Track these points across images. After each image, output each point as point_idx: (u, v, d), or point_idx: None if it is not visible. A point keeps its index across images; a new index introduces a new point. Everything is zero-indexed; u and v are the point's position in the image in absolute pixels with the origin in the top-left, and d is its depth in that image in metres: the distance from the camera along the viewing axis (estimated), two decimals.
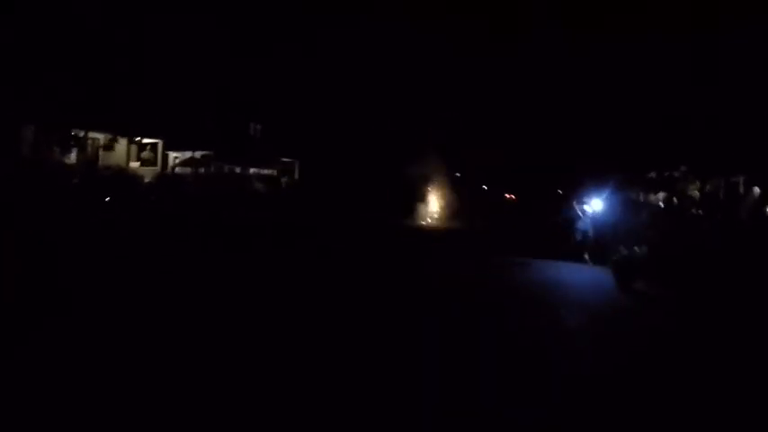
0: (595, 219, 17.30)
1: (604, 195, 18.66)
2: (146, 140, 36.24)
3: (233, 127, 41.92)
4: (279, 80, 46.27)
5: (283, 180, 43.51)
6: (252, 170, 42.94)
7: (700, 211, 32.56)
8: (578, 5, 49.15)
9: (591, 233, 17.10)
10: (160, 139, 36.31)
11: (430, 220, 31.46)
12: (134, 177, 30.11)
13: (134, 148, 36.06)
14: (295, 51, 47.86)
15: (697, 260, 12.75)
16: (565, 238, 18.06)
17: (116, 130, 32.59)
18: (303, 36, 49.75)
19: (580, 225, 17.71)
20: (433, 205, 33.87)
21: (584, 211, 17.81)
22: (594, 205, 17.90)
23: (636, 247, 13.29)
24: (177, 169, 39.20)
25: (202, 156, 37.98)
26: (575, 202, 19.18)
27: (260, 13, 49.24)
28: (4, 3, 28.76)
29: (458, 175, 51.31)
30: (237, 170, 41.14)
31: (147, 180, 30.86)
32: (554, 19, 50.85)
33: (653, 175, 40.63)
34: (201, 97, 40.62)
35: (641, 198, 44.06)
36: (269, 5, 49.69)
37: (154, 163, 36.04)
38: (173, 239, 17.70)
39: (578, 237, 17.62)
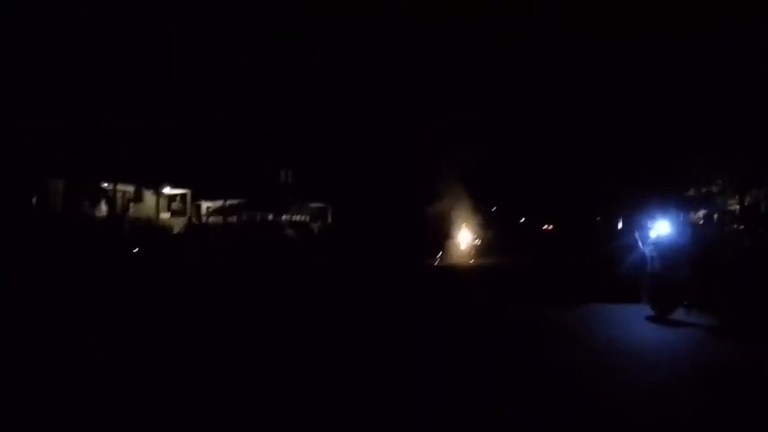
0: (662, 246, 13.33)
1: (670, 216, 14.59)
2: (175, 191, 36.19)
3: (264, 174, 41.88)
4: (308, 125, 46.35)
5: (315, 225, 43.16)
6: (284, 217, 42.74)
7: (741, 227, 31.21)
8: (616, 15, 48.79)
9: (657, 265, 13.00)
10: (188, 188, 36.16)
11: (462, 259, 30.51)
12: (162, 228, 29.98)
13: (164, 198, 36.00)
14: (322, 95, 47.92)
15: (737, 281, 11.52)
16: (624, 274, 14.15)
17: (143, 182, 32.52)
18: (328, 78, 49.82)
19: (642, 255, 13.60)
20: (465, 242, 32.88)
21: (646, 238, 13.90)
22: (660, 229, 13.89)
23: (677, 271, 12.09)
24: (211, 219, 39.23)
25: (232, 204, 37.84)
26: (635, 229, 15.04)
27: (285, 57, 49.57)
28: (26, 49, 29.02)
29: (493, 209, 50.53)
30: (270, 217, 40.94)
31: (176, 231, 30.75)
32: (581, 31, 50.39)
33: (691, 192, 39.49)
34: (230, 145, 40.72)
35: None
36: (293, 47, 50.06)
37: (184, 213, 35.90)
38: (191, 292, 17.19)
39: (643, 271, 13.43)
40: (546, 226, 54.79)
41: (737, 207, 32.58)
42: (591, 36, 44.78)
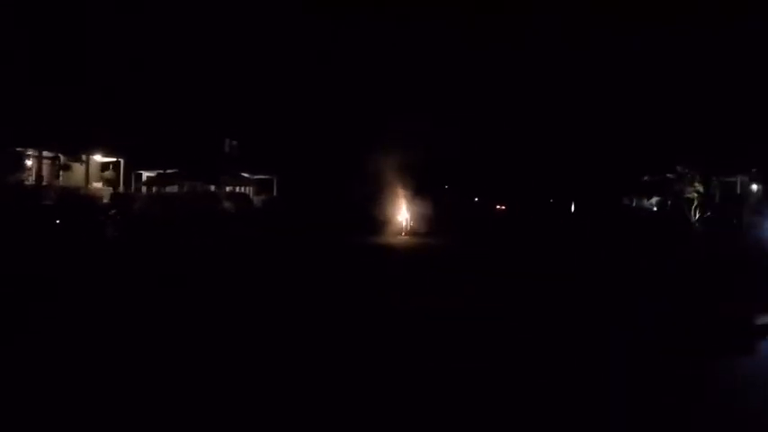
0: None
1: None
2: (108, 159, 34.57)
3: (206, 143, 40.29)
4: (255, 94, 44.92)
5: (257, 198, 41.85)
6: (228, 188, 41.41)
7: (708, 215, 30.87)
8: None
9: None
10: (122, 156, 34.53)
11: (403, 236, 29.38)
12: (89, 198, 28.54)
13: (96, 167, 34.40)
14: (270, 64, 46.54)
15: None
16: None
17: (69, 148, 30.89)
18: (276, 49, 48.56)
19: None
20: (409, 218, 31.69)
21: None
22: None
23: None
24: (150, 188, 37.82)
25: (168, 174, 36.34)
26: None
27: (236, 29, 48.06)
28: None
29: (446, 186, 49.62)
30: (212, 188, 39.53)
31: (105, 201, 29.31)
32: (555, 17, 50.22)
33: (646, 178, 39.04)
34: (172, 112, 39.16)
35: (633, 203, 42.40)
36: (245, 19, 48.56)
37: (118, 182, 34.28)
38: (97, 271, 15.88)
39: None
40: (499, 206, 53.91)
41: (695, 194, 31.91)
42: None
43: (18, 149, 29.08)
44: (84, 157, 32.31)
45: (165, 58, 40.80)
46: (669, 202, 35.90)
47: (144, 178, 38.95)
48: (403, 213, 32.41)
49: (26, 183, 29.74)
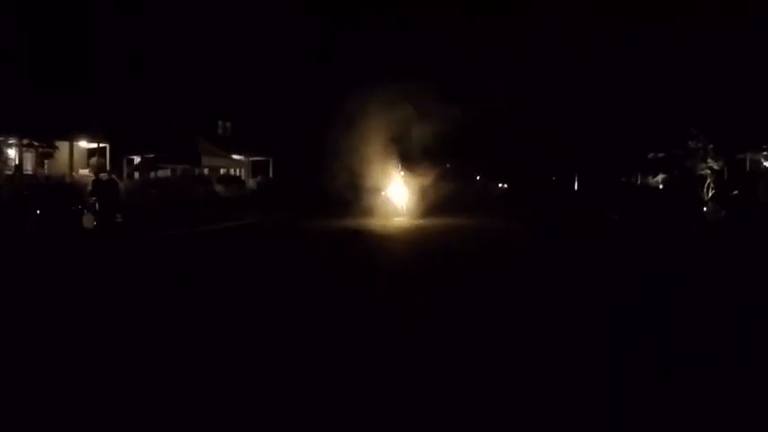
0: None
1: None
2: (93, 145, 33.44)
3: (196, 125, 39.03)
4: (250, 75, 43.57)
5: (253, 180, 40.70)
6: (222, 171, 40.25)
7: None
8: None
9: None
10: (108, 142, 33.36)
11: (398, 218, 28.20)
12: (71, 186, 27.33)
13: (81, 153, 33.27)
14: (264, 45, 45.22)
15: None
16: None
17: (49, 135, 29.73)
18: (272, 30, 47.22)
19: None
20: (403, 199, 30.48)
21: None
22: None
23: None
24: (137, 174, 36.73)
25: (156, 157, 35.21)
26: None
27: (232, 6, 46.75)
28: None
29: (447, 165, 48.12)
30: (205, 171, 38.32)
31: (89, 188, 28.16)
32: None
33: (651, 155, 37.42)
34: (162, 95, 38.01)
35: (638, 181, 40.91)
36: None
37: (104, 169, 33.11)
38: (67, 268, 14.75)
39: None
40: (501, 184, 52.80)
41: (708, 171, 29.72)
42: None
43: None
44: (63, 143, 31.18)
45: (158, 45, 39.38)
46: (675, 180, 34.37)
47: (135, 163, 37.93)
48: (400, 194, 31.25)
49: (7, 173, 28.67)
